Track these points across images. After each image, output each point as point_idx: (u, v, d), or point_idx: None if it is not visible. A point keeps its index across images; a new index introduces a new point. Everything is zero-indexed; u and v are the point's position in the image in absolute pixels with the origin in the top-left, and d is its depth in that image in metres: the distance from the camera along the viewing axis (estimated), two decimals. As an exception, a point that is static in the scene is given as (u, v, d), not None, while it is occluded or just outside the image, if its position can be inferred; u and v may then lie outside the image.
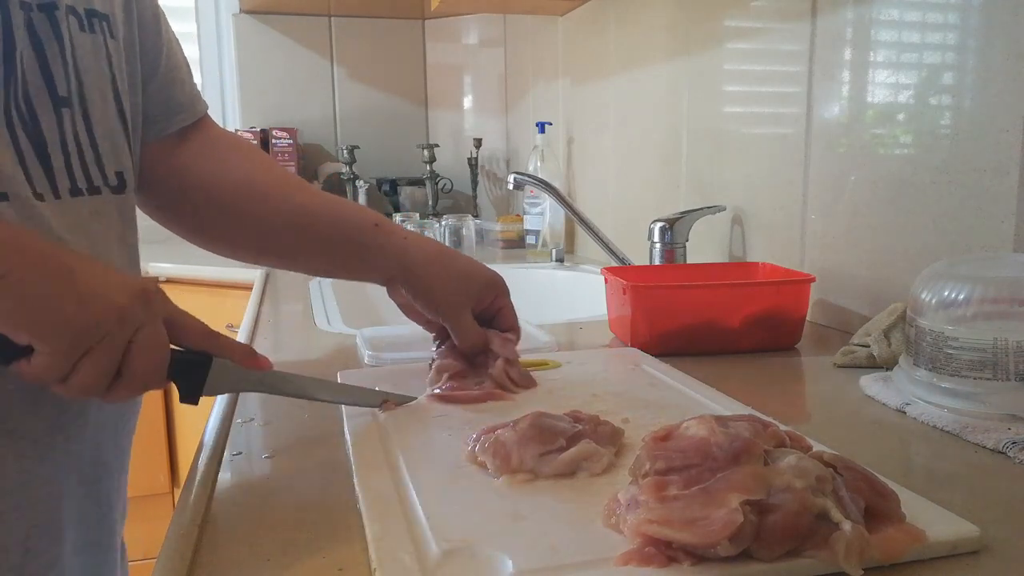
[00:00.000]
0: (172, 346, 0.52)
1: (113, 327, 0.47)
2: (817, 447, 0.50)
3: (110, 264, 0.59)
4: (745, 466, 0.42)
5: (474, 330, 0.74)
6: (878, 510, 0.43)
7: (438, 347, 0.76)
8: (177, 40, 0.75)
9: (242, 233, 0.77)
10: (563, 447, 0.52)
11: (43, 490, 0.57)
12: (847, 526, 0.40)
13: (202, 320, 0.54)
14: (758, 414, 0.60)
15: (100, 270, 0.49)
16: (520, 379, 0.72)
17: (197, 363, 0.54)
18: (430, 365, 0.74)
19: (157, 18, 0.72)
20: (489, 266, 0.78)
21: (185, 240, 0.80)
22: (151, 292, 0.50)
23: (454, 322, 0.73)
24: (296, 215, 0.75)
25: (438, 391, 0.69)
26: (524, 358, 0.79)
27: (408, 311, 0.78)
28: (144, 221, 0.73)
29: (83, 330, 0.46)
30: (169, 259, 1.81)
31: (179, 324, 0.52)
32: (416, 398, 0.68)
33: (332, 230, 0.75)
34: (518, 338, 0.76)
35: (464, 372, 0.72)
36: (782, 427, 0.50)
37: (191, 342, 0.53)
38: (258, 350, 0.58)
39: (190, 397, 0.54)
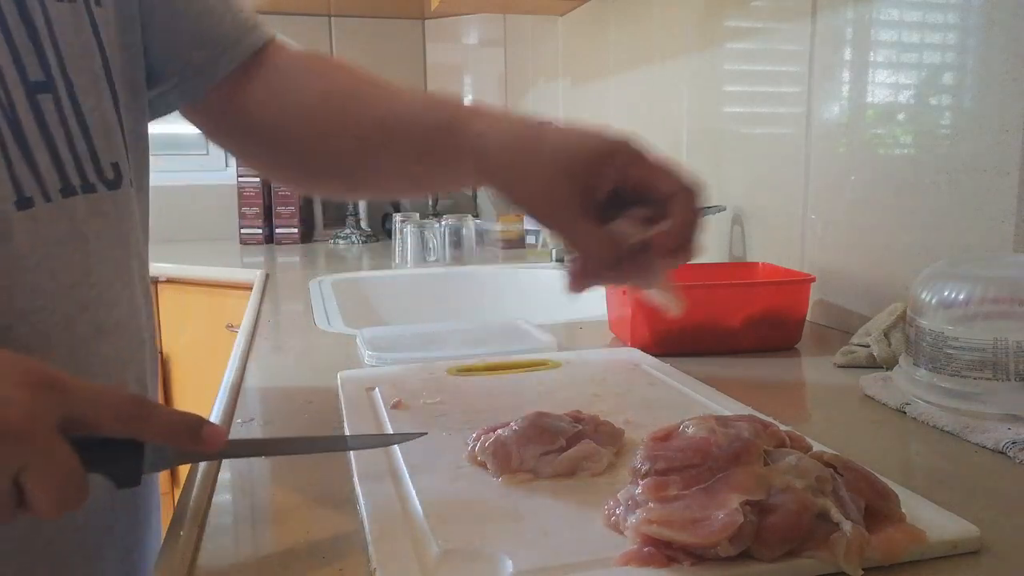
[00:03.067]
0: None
1: None
2: (817, 447, 0.50)
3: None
4: (745, 466, 0.42)
5: (590, 235, 0.52)
6: (878, 510, 0.43)
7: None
8: None
9: (320, 167, 0.67)
10: (563, 447, 0.52)
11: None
12: (847, 526, 0.40)
13: (120, 391, 0.41)
14: (758, 414, 0.60)
15: None
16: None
17: (124, 451, 0.41)
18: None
19: None
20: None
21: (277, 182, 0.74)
22: (32, 387, 0.38)
23: (557, 227, 0.53)
24: (370, 132, 0.62)
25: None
26: (524, 358, 0.79)
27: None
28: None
29: None
30: (169, 259, 1.81)
31: (85, 418, 0.39)
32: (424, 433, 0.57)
33: (418, 129, 0.60)
34: (681, 211, 0.53)
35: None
36: (782, 427, 0.50)
37: (110, 432, 0.40)
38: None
39: (127, 483, 0.41)
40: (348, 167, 0.66)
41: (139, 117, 0.62)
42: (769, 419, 0.52)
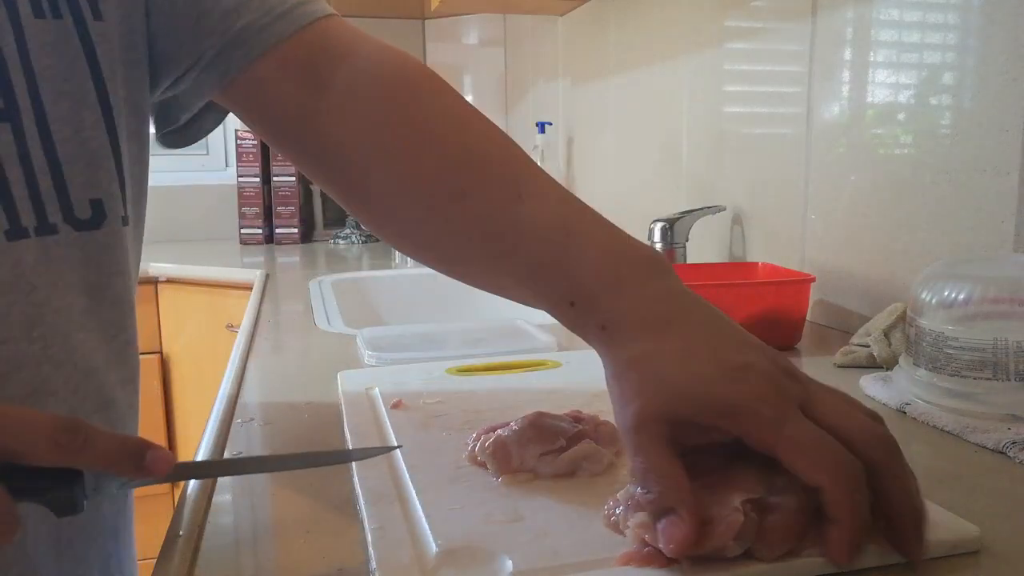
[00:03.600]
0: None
1: None
2: None
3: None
4: (745, 463, 0.42)
5: (657, 459, 0.39)
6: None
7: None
8: None
9: (402, 227, 0.55)
10: (563, 447, 0.52)
11: None
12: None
13: (63, 415, 0.37)
14: None
15: None
16: None
17: (60, 479, 0.37)
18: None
19: None
20: None
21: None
22: None
23: (628, 441, 0.41)
24: (491, 238, 0.50)
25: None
26: (524, 358, 0.79)
27: None
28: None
29: None
30: (169, 259, 1.81)
31: (12, 449, 0.35)
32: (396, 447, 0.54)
33: (529, 263, 0.48)
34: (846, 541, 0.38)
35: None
36: None
37: (42, 462, 0.36)
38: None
39: (67, 511, 0.37)
40: (429, 242, 0.54)
41: (142, 142, 0.55)
42: None
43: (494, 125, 0.54)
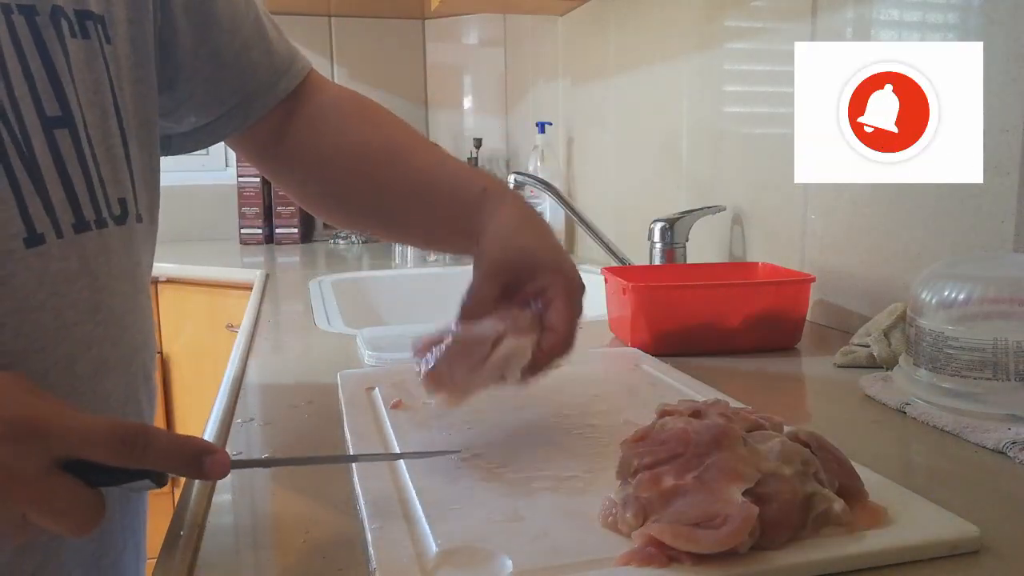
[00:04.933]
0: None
1: None
2: (788, 428, 0.50)
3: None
4: (728, 450, 0.42)
5: (479, 293, 0.60)
6: (846, 488, 0.44)
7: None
8: (248, 8, 0.68)
9: (356, 211, 0.73)
10: (486, 355, 0.52)
11: None
12: (839, 505, 0.42)
13: (109, 421, 0.40)
14: (725, 397, 0.61)
15: None
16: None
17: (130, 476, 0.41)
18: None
19: (206, 2, 0.64)
20: None
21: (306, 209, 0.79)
22: (17, 441, 0.38)
23: (473, 278, 0.61)
24: (405, 191, 0.68)
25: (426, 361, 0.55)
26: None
27: None
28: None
29: None
30: (169, 259, 1.81)
31: (79, 456, 0.39)
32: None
33: (441, 205, 0.67)
34: (557, 344, 0.57)
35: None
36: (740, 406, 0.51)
37: (105, 462, 0.40)
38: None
39: (161, 484, 0.42)
40: (382, 217, 0.72)
41: (152, 152, 0.62)
42: (740, 404, 0.54)
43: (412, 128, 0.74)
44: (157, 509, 0.65)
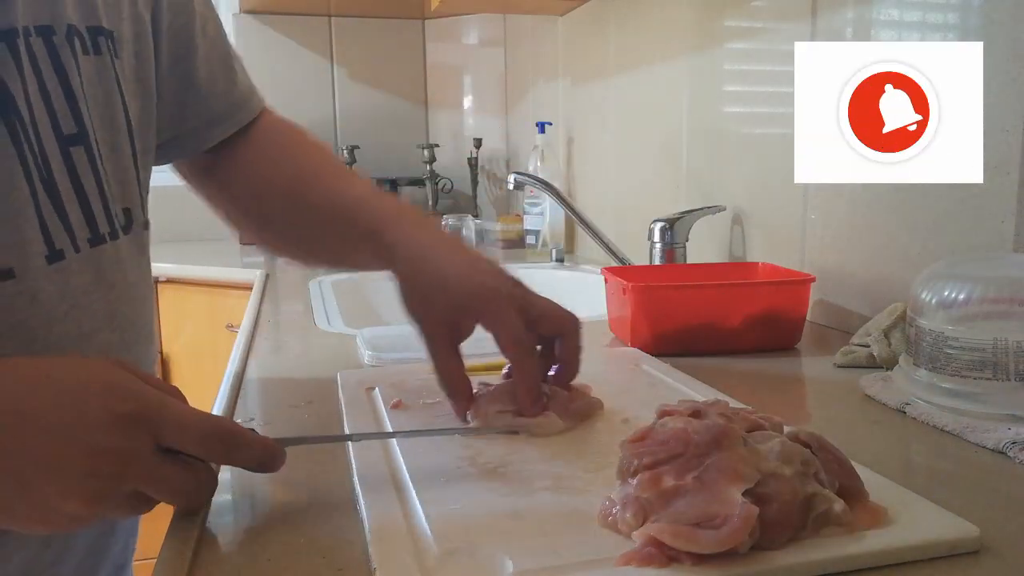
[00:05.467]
0: None
1: (100, 507, 0.42)
2: (788, 428, 0.50)
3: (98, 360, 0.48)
4: (728, 450, 0.42)
5: (448, 362, 0.59)
6: (846, 488, 0.44)
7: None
8: (217, 39, 0.70)
9: (284, 237, 0.75)
10: (518, 411, 0.58)
11: None
12: (839, 506, 0.41)
13: (203, 410, 0.46)
14: (725, 397, 0.62)
15: (52, 433, 0.40)
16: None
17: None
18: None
19: (188, 27, 0.66)
20: None
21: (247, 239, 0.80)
22: (126, 429, 0.41)
23: (427, 344, 0.60)
24: (328, 219, 0.69)
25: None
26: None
27: None
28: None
29: (74, 521, 0.42)
30: (169, 259, 1.81)
31: (174, 445, 0.43)
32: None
33: (352, 233, 0.67)
34: (573, 374, 0.63)
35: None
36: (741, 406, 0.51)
37: (196, 455, 0.45)
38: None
39: None
40: (303, 245, 0.75)
41: (150, 162, 0.65)
42: (741, 404, 0.54)
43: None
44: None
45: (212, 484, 0.46)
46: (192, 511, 0.46)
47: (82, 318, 0.53)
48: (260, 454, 0.46)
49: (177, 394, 0.45)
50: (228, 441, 0.45)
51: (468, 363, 0.67)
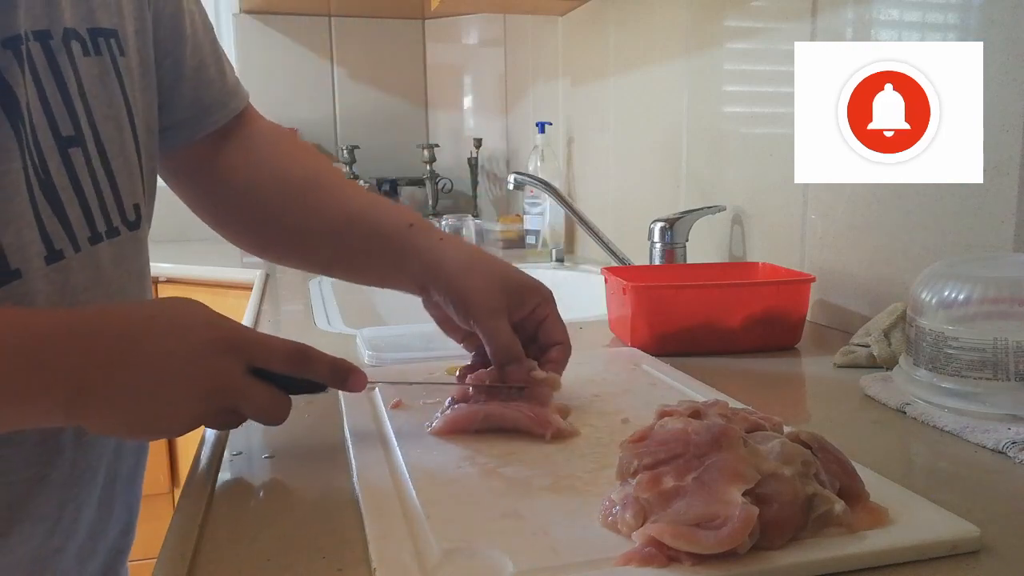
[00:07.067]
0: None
1: (206, 418, 0.50)
2: (788, 428, 0.50)
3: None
4: (728, 450, 0.42)
5: (507, 334, 0.64)
6: (847, 488, 0.44)
7: (472, 359, 0.68)
8: (206, 31, 0.71)
9: (279, 238, 0.75)
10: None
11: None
12: (839, 507, 0.41)
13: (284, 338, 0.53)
14: (725, 397, 0.62)
15: (164, 356, 0.48)
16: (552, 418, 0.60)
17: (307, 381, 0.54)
18: (457, 378, 0.66)
19: (177, 16, 0.67)
20: None
21: (224, 239, 0.79)
22: (222, 354, 0.50)
23: (486, 325, 0.64)
24: (333, 221, 0.70)
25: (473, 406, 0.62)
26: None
27: (444, 324, 0.70)
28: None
29: (174, 429, 0.50)
30: (169, 259, 1.81)
31: (263, 364, 0.51)
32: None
33: (369, 237, 0.69)
34: (566, 355, 0.67)
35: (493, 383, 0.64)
36: (741, 407, 0.51)
37: (283, 372, 0.52)
38: None
39: (318, 390, 0.55)
40: (305, 248, 0.74)
41: (154, 156, 0.66)
42: (740, 405, 0.54)
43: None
44: (158, 509, 0.65)
45: (287, 406, 0.52)
46: (272, 424, 0.52)
47: None
48: (331, 368, 0.54)
49: (252, 328, 0.54)
50: (306, 357, 0.53)
51: (465, 364, 0.67)
